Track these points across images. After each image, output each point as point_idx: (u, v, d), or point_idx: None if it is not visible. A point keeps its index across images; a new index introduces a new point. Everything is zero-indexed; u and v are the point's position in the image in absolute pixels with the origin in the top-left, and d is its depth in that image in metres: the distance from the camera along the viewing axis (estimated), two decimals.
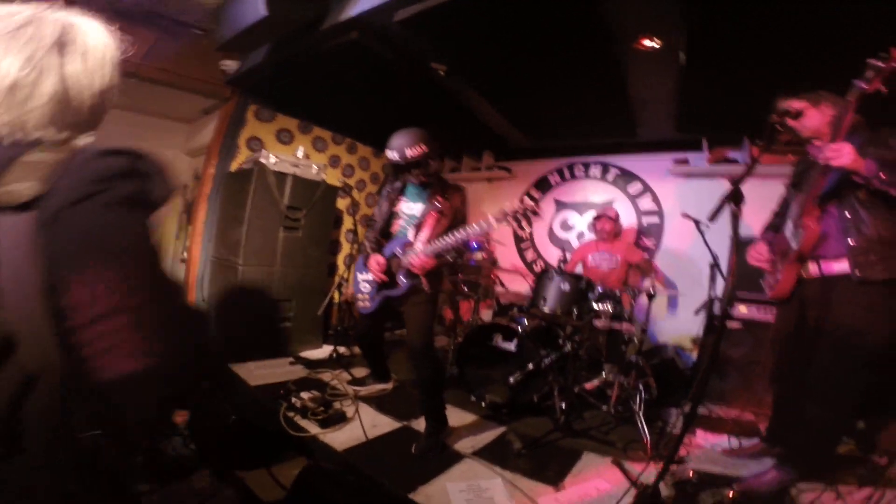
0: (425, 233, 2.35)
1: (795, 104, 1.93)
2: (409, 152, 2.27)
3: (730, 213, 1.62)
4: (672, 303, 4.24)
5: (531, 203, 2.02)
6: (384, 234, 2.54)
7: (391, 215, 2.52)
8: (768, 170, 3.17)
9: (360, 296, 2.59)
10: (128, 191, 0.64)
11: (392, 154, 2.32)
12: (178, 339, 0.67)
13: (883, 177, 1.65)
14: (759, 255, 2.17)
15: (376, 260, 2.41)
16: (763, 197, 2.37)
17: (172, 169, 0.73)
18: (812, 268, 1.95)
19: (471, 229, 2.16)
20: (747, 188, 1.64)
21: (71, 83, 0.67)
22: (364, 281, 2.56)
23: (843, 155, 1.67)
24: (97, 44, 0.71)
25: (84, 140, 0.71)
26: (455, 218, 2.39)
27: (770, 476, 1.92)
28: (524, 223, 2.03)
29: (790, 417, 2.08)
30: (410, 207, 2.47)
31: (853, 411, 1.82)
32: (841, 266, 1.83)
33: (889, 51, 1.62)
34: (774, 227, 2.25)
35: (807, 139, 1.98)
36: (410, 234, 2.40)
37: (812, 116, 1.91)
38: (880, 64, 1.62)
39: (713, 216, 1.65)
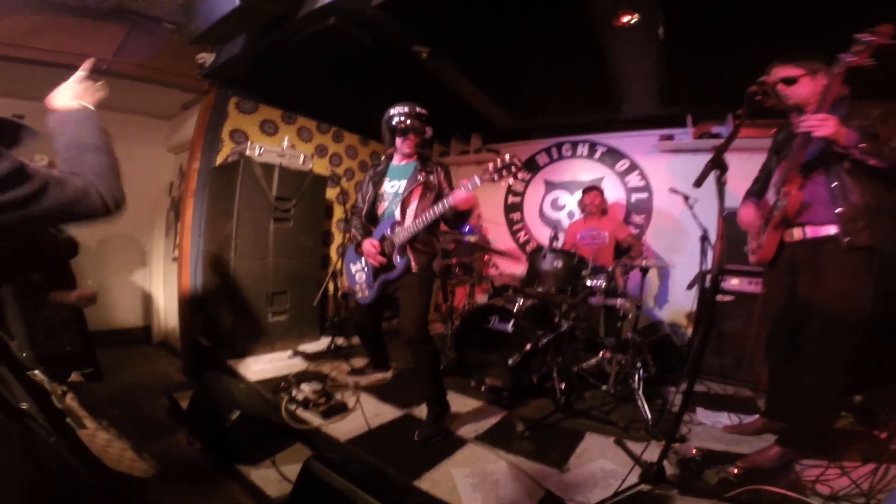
0: (412, 208, 2.34)
1: (791, 70, 1.92)
2: (419, 109, 2.41)
3: (715, 180, 1.65)
4: (664, 277, 4.28)
5: (511, 157, 2.04)
6: (370, 219, 2.52)
7: (376, 197, 2.50)
8: (754, 143, 3.20)
9: (357, 287, 2.56)
10: None
11: (401, 109, 2.39)
12: None
13: (863, 146, 1.69)
14: (748, 216, 2.19)
15: (370, 243, 2.38)
16: (749, 170, 2.39)
17: None
18: (797, 232, 1.98)
19: (458, 193, 2.13)
20: (734, 162, 1.66)
21: None
22: (358, 271, 2.54)
23: (827, 125, 1.70)
24: None
25: None
26: (440, 192, 2.38)
27: (774, 451, 1.94)
28: (507, 175, 2.05)
29: (786, 388, 2.12)
30: (394, 185, 2.45)
31: (845, 376, 1.86)
32: (827, 230, 1.86)
33: (875, 26, 1.63)
34: (756, 192, 2.27)
35: (791, 107, 1.98)
36: (397, 213, 2.37)
37: (806, 85, 1.90)
38: (869, 38, 1.63)
39: (699, 182, 1.66)
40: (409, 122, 2.37)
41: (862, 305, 1.79)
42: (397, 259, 2.34)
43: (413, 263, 2.32)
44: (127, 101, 4.00)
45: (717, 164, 1.64)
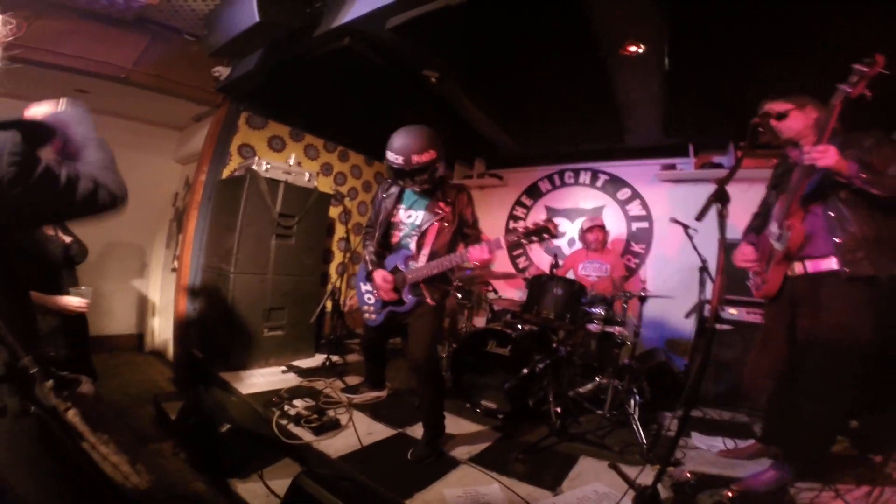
0: (429, 243, 2.27)
1: (781, 105, 1.99)
2: (417, 158, 2.09)
3: (716, 213, 1.64)
4: (663, 306, 4.27)
5: (545, 220, 1.97)
6: (383, 245, 2.44)
7: (389, 225, 2.40)
8: (754, 174, 3.25)
9: (365, 308, 2.52)
10: None
11: (395, 158, 2.11)
12: None
13: (864, 176, 1.72)
14: (745, 257, 2.21)
15: (382, 277, 2.30)
16: (749, 200, 2.42)
17: None
18: (798, 267, 1.99)
19: (476, 252, 2.06)
20: (734, 192, 1.67)
21: None
22: (368, 293, 2.50)
23: (828, 156, 1.73)
24: None
25: None
26: (461, 220, 2.32)
27: (768, 475, 1.92)
28: (538, 241, 1.98)
29: (786, 416, 2.10)
30: (410, 216, 2.35)
31: (848, 406, 1.85)
32: (828, 264, 1.87)
33: (874, 56, 1.67)
34: (755, 228, 2.30)
35: (786, 141, 2.03)
36: (412, 246, 2.31)
37: (797, 118, 1.96)
38: (865, 69, 1.67)
39: (700, 215, 1.66)
40: (403, 167, 2.13)
41: (864, 336, 1.78)
42: (408, 297, 2.29)
43: (428, 297, 2.27)
44: (141, 110, 4.10)
45: (719, 198, 1.64)
